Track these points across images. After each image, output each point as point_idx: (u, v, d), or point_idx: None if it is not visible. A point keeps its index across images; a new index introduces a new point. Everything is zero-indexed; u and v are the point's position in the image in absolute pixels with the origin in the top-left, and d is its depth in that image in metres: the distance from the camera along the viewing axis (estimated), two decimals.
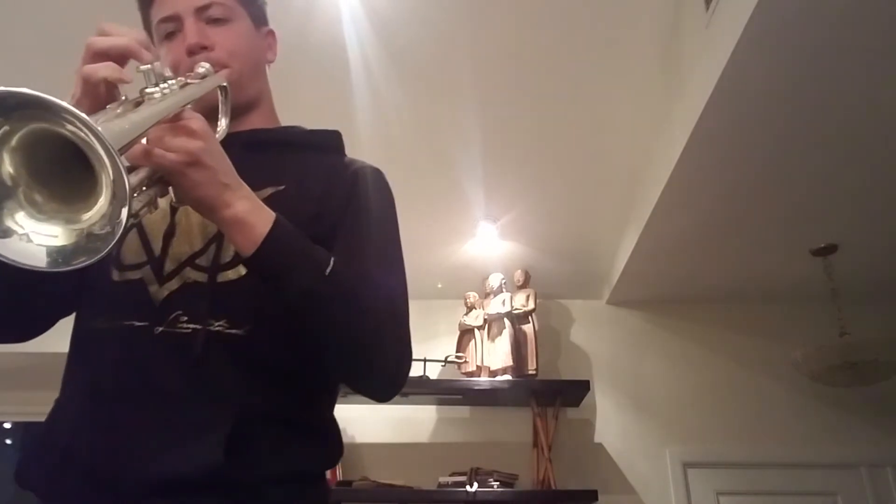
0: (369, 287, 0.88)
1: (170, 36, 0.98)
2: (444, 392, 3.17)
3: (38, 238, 0.62)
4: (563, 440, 3.17)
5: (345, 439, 3.20)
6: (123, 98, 0.74)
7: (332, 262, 0.83)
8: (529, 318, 3.23)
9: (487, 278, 3.31)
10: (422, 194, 2.98)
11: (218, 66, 0.95)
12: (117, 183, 0.59)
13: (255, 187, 0.83)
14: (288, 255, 0.81)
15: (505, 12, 2.35)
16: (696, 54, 2.18)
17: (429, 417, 3.27)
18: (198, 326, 0.85)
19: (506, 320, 3.18)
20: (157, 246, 0.91)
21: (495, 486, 2.88)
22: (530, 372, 3.14)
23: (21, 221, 0.62)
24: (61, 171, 0.63)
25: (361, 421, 3.16)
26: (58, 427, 0.87)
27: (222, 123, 0.94)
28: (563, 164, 2.87)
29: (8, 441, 4.12)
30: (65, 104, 0.57)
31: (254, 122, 1.05)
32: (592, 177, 2.91)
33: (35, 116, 0.59)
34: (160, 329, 0.85)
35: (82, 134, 0.58)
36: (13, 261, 0.61)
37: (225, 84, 0.94)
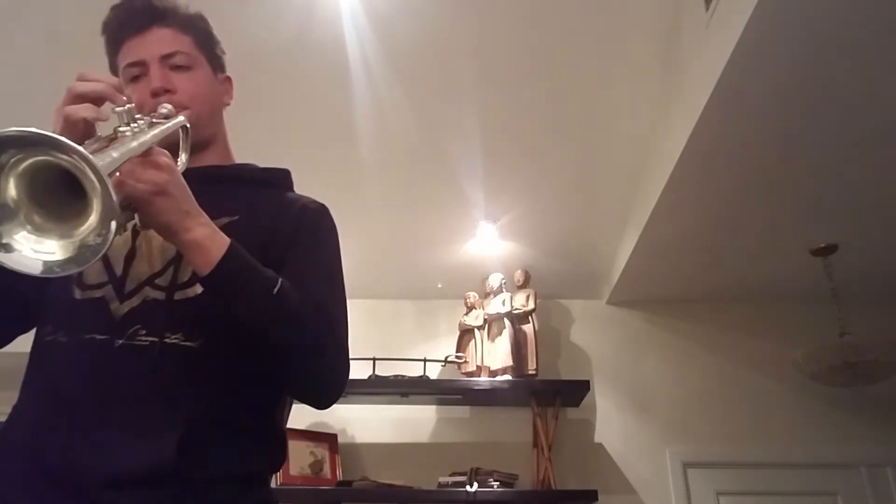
0: (313, 308, 0.96)
1: (135, 79, 1.09)
2: (444, 392, 3.17)
3: (38, 255, 0.75)
4: (563, 440, 3.17)
5: (345, 439, 3.19)
6: (99, 135, 0.84)
7: (279, 283, 0.92)
8: (529, 318, 3.23)
9: (487, 278, 3.31)
10: (422, 194, 2.98)
11: (179, 107, 1.05)
12: (106, 203, 0.71)
13: (212, 217, 0.92)
14: (240, 276, 0.90)
15: (505, 13, 2.35)
16: (696, 54, 2.18)
17: (429, 417, 3.26)
18: (155, 339, 0.94)
19: (506, 320, 3.18)
20: (118, 267, 1.00)
21: (495, 486, 2.88)
22: (530, 372, 3.13)
23: (22, 239, 0.74)
24: (56, 195, 0.75)
25: (361, 421, 3.16)
26: (16, 429, 0.94)
27: (182, 158, 1.03)
28: (563, 164, 2.87)
29: None
30: (71, 143, 0.70)
31: (210, 158, 1.14)
32: (592, 177, 2.91)
33: (40, 151, 0.71)
34: (120, 342, 0.93)
35: (80, 165, 0.70)
36: (17, 270, 0.74)
37: (187, 124, 1.03)
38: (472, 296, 3.35)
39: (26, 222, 0.75)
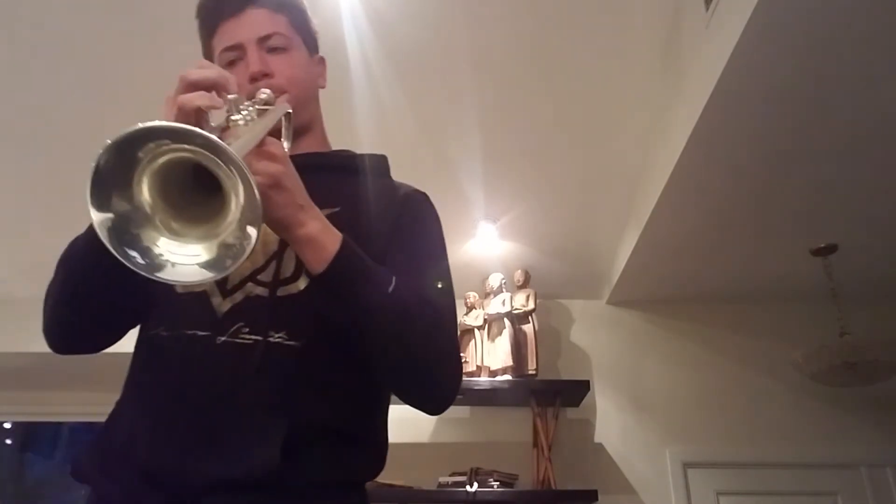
0: (425, 305, 0.92)
1: (232, 63, 1.05)
2: None
3: (186, 259, 0.72)
4: (563, 440, 3.17)
5: None
6: (212, 124, 0.81)
7: (394, 281, 0.88)
8: (529, 318, 3.23)
9: (487, 278, 3.31)
10: None
11: (278, 91, 1.00)
12: (248, 195, 0.68)
13: None
14: (355, 273, 0.86)
15: (505, 13, 2.35)
16: (696, 54, 2.18)
17: (429, 417, 3.23)
18: (258, 337, 0.90)
19: (506, 320, 3.18)
20: None
21: (495, 486, 2.88)
22: (530, 372, 3.14)
23: (165, 247, 0.72)
24: (187, 197, 0.73)
25: None
26: (118, 426, 0.92)
27: (285, 146, 0.99)
28: (563, 164, 2.87)
29: (8, 441, 4.12)
30: (212, 136, 0.67)
31: (308, 145, 1.10)
32: (592, 177, 2.91)
33: (174, 146, 0.68)
34: (222, 339, 0.90)
35: (216, 160, 0.67)
36: (179, 282, 0.73)
37: (290, 110, 1.00)
38: (472, 296, 3.35)
39: (164, 228, 0.72)
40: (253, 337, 0.90)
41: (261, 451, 0.84)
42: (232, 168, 0.67)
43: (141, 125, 0.67)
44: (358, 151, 1.15)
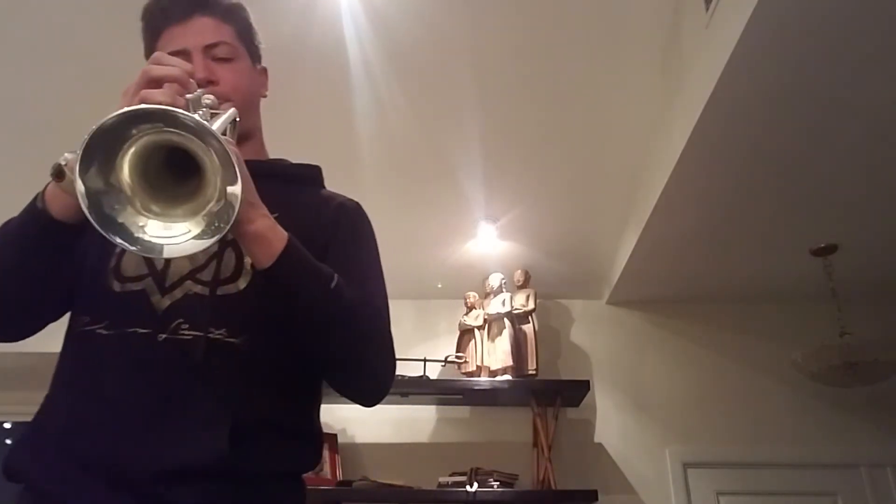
0: (362, 303, 0.97)
1: None
2: (444, 392, 3.16)
3: (178, 238, 0.76)
4: (563, 440, 3.16)
5: (345, 439, 3.18)
6: None
7: (335, 278, 0.92)
8: (529, 318, 3.23)
9: (487, 278, 3.31)
10: (422, 194, 2.97)
11: (222, 99, 1.03)
12: (223, 159, 0.73)
13: None
14: (299, 269, 0.90)
15: (505, 13, 2.35)
16: (696, 54, 2.18)
17: (429, 417, 3.26)
18: (199, 333, 0.92)
19: (506, 320, 3.18)
20: (158, 260, 0.98)
21: (495, 486, 2.88)
22: (530, 372, 3.13)
23: (153, 231, 0.76)
24: (162, 180, 0.78)
25: (361, 421, 3.16)
26: (53, 423, 0.92)
27: None
28: (563, 164, 2.87)
29: (8, 441, 4.12)
30: (192, 115, 0.73)
31: (246, 153, 1.11)
32: (592, 177, 2.91)
33: (151, 129, 0.73)
34: (163, 336, 0.92)
35: (196, 139, 0.73)
36: (174, 256, 0.79)
37: (237, 117, 1.03)
38: (472, 296, 3.35)
39: (145, 211, 0.76)
40: (192, 333, 0.92)
41: (209, 438, 0.87)
42: (211, 140, 0.72)
43: (132, 108, 0.72)
44: (293, 161, 1.20)
